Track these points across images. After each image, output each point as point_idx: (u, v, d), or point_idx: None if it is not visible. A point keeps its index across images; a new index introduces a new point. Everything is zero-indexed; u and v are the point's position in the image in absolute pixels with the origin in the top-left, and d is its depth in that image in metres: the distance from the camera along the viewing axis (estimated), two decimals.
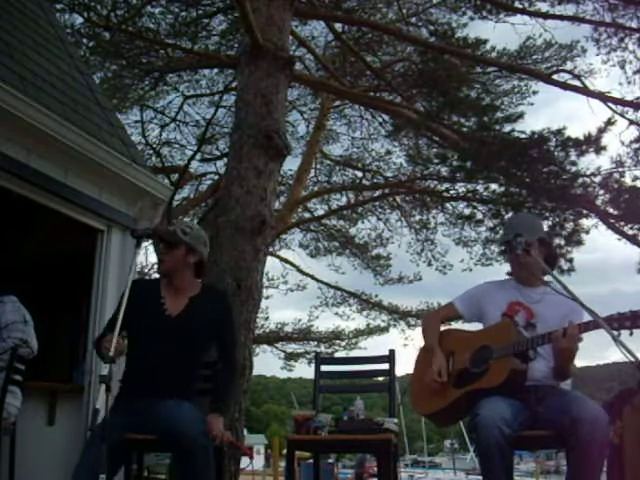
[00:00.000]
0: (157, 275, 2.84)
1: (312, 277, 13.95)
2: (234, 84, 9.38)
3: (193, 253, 2.84)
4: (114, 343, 2.21)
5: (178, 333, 2.71)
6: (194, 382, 2.81)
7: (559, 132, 7.42)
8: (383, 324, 14.60)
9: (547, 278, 2.76)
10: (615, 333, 2.19)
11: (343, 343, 15.20)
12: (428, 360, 2.85)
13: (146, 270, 11.60)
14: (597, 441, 2.25)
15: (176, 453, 2.55)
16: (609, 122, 7.28)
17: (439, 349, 2.81)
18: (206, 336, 2.81)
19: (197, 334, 2.76)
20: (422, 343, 2.98)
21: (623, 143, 7.51)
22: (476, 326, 2.89)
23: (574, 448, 2.30)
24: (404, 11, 9.23)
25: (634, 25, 7.43)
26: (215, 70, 10.46)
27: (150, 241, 8.19)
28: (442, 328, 2.95)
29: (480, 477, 2.47)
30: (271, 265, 14.47)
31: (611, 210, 7.55)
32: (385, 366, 3.58)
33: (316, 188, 12.67)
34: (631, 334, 2.23)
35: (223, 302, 2.97)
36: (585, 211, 7.75)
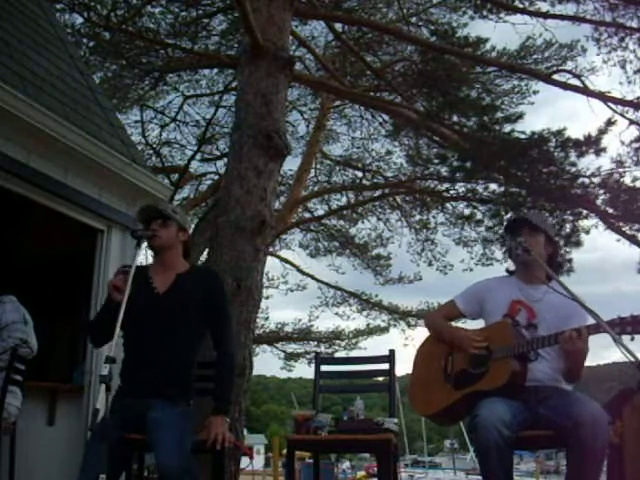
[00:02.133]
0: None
1: (312, 277, 13.97)
2: (234, 84, 9.39)
3: (183, 232, 2.87)
4: (114, 343, 2.20)
5: (167, 309, 2.66)
6: (188, 370, 2.73)
7: (559, 133, 7.42)
8: (383, 324, 14.63)
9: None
10: (615, 333, 2.18)
11: (343, 343, 15.22)
12: (429, 358, 2.85)
13: None
14: (598, 442, 2.24)
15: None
16: (609, 123, 7.28)
17: (455, 327, 2.80)
18: (196, 312, 2.73)
19: (186, 308, 2.70)
20: (424, 339, 2.97)
21: (623, 143, 7.52)
22: (477, 324, 2.89)
23: (574, 449, 2.30)
24: (404, 11, 9.23)
25: (634, 25, 7.43)
26: (215, 70, 10.46)
27: None
28: None
29: (480, 477, 2.47)
30: (271, 265, 14.50)
31: (611, 210, 7.55)
32: (385, 366, 3.58)
33: (316, 188, 12.66)
34: (632, 339, 2.22)
35: (214, 280, 2.92)
36: (585, 211, 7.75)
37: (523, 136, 7.64)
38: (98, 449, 2.24)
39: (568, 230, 7.92)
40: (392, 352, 3.59)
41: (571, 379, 2.59)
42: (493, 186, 8.66)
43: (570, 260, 7.98)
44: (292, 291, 14.22)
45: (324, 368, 3.75)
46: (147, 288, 2.72)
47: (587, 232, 7.96)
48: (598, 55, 8.03)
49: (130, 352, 2.69)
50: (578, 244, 7.94)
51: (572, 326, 2.43)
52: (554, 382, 2.59)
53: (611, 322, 2.26)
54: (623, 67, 7.74)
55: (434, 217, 11.56)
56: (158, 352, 2.62)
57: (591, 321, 2.38)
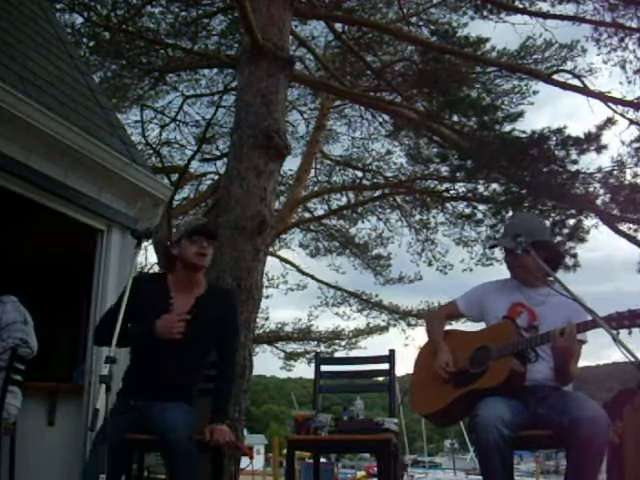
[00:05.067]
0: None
1: (312, 277, 13.96)
2: (234, 84, 9.38)
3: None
4: (114, 342, 2.20)
5: (184, 334, 2.68)
6: (196, 384, 2.81)
7: (559, 131, 7.42)
8: (383, 324, 14.63)
9: (549, 278, 2.75)
10: (614, 332, 2.18)
11: (343, 343, 15.22)
12: (430, 358, 2.86)
13: (145, 270, 11.58)
14: (597, 442, 2.25)
15: (163, 454, 2.55)
16: (609, 120, 7.29)
17: (444, 343, 2.80)
18: (210, 333, 2.78)
19: (201, 331, 2.73)
20: (427, 340, 2.98)
21: (623, 143, 7.52)
22: (478, 326, 2.89)
23: (573, 448, 2.30)
24: (404, 11, 9.23)
25: (634, 25, 7.44)
26: (215, 70, 10.45)
27: (150, 241, 8.18)
28: (445, 328, 2.94)
29: (480, 477, 2.47)
30: (271, 265, 14.46)
31: (611, 210, 7.54)
32: (385, 366, 3.58)
33: (316, 188, 12.66)
34: (630, 333, 2.23)
35: (229, 301, 2.96)
36: (586, 211, 7.75)
37: (523, 135, 7.64)
38: (101, 450, 2.25)
39: (571, 226, 7.88)
40: (392, 352, 3.59)
41: (561, 380, 2.59)
42: (494, 185, 8.67)
43: (575, 255, 7.95)
44: (292, 291, 14.23)
45: (324, 368, 3.74)
46: (166, 305, 2.72)
47: (587, 232, 7.95)
48: (598, 55, 8.07)
49: (138, 363, 2.71)
50: (582, 240, 7.92)
51: None
52: (553, 382, 2.59)
53: (608, 317, 2.26)
54: (623, 67, 7.77)
55: (434, 217, 11.60)
56: (168, 368, 2.66)
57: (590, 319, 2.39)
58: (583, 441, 2.25)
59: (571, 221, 7.90)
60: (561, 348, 2.44)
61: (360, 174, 12.26)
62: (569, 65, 8.82)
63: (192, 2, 8.93)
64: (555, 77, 7.81)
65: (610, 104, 7.30)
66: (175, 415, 2.52)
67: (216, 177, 11.25)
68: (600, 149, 7.27)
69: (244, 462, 4.74)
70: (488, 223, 9.24)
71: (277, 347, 15.08)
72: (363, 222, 12.80)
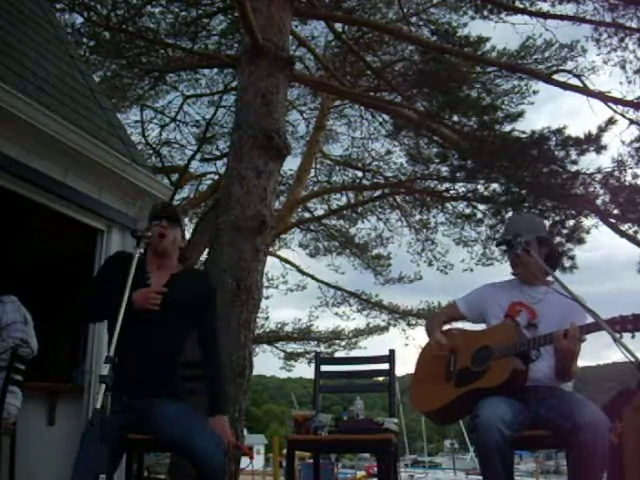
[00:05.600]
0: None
1: (312, 277, 13.97)
2: (234, 84, 9.39)
3: (183, 238, 2.87)
4: (113, 345, 2.19)
5: (161, 308, 2.64)
6: (175, 367, 2.74)
7: (559, 131, 7.43)
8: (383, 324, 14.64)
9: (549, 278, 2.76)
10: (616, 335, 2.18)
11: (343, 343, 15.24)
12: (431, 357, 2.86)
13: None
14: (598, 448, 2.24)
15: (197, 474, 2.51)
16: (610, 121, 7.29)
17: (439, 332, 2.85)
18: (187, 311, 2.73)
19: (178, 306, 2.70)
20: (427, 339, 2.98)
21: (624, 143, 7.52)
22: (478, 326, 2.90)
23: (575, 453, 2.30)
24: (404, 11, 9.23)
25: (634, 25, 7.44)
26: (215, 70, 10.46)
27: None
28: (445, 327, 2.95)
29: (480, 477, 2.47)
30: (271, 265, 14.48)
31: (611, 210, 7.55)
32: (385, 366, 3.58)
33: (316, 188, 12.67)
34: (633, 337, 2.22)
35: (206, 281, 2.96)
36: (586, 211, 7.75)
37: (523, 135, 7.65)
38: (95, 448, 2.23)
39: (570, 227, 7.89)
40: (392, 352, 3.59)
41: (561, 377, 2.60)
42: (494, 185, 8.68)
43: (573, 257, 7.95)
44: (292, 291, 14.24)
45: (324, 368, 3.74)
46: (142, 281, 2.69)
47: (587, 232, 7.96)
48: (598, 55, 8.07)
49: (119, 345, 2.67)
50: (581, 241, 7.92)
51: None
52: (554, 382, 2.59)
53: (612, 320, 2.25)
54: (623, 67, 7.76)
55: (434, 217, 11.60)
56: (147, 347, 2.61)
57: (590, 320, 2.38)
58: (584, 447, 2.24)
59: (571, 222, 7.92)
60: (564, 350, 2.44)
61: (360, 174, 12.27)
62: (569, 65, 8.81)
63: (192, 2, 8.94)
64: (555, 77, 7.82)
65: (610, 104, 7.31)
66: (200, 430, 2.47)
67: (216, 177, 11.26)
68: (600, 149, 7.28)
69: (244, 462, 4.75)
70: (488, 223, 9.27)
71: (277, 347, 15.10)
72: (363, 222, 12.84)
